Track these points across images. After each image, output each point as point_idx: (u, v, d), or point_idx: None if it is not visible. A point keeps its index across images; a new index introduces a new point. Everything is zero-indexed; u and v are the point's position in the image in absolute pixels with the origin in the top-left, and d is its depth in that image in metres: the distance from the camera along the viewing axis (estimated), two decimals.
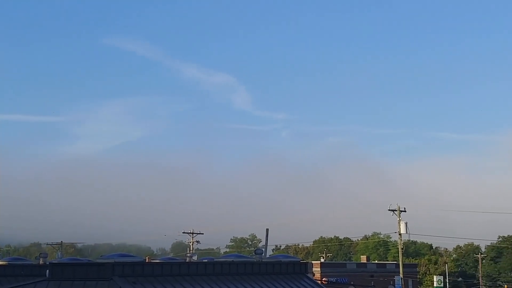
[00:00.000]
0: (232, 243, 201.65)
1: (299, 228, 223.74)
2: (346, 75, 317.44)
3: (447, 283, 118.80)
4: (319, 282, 76.75)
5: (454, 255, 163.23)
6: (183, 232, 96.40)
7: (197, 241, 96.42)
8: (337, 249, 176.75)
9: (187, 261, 42.75)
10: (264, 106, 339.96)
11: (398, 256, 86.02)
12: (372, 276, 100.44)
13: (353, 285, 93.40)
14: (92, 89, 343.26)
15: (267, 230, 77.51)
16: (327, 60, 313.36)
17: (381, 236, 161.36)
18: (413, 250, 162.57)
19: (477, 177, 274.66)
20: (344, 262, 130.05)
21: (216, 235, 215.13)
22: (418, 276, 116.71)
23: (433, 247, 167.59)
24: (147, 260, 46.32)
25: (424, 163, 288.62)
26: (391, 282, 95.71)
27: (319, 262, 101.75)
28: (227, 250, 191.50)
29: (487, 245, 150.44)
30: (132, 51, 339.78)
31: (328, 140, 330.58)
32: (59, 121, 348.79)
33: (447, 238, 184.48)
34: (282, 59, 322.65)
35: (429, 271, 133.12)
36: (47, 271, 31.84)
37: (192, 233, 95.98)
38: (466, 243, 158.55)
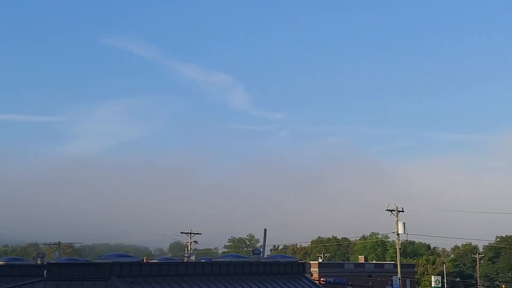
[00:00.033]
0: (230, 243, 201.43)
1: (297, 228, 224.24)
2: (346, 75, 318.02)
3: (445, 283, 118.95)
4: (317, 282, 76.59)
5: (452, 255, 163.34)
6: (181, 232, 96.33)
7: (195, 241, 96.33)
8: (335, 249, 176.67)
9: (185, 261, 42.75)
10: (263, 106, 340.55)
11: (396, 256, 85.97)
12: (370, 276, 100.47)
13: (351, 285, 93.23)
14: (91, 89, 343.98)
15: (265, 230, 77.32)
16: (327, 60, 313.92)
17: (379, 236, 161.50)
18: (411, 250, 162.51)
19: (476, 177, 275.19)
20: (342, 262, 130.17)
21: (214, 235, 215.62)
22: (416, 276, 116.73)
23: (431, 247, 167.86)
24: (145, 260, 46.30)
25: (423, 163, 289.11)
26: (389, 282, 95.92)
27: (317, 262, 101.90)
28: (225, 250, 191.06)
29: (485, 245, 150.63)
30: (131, 51, 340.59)
31: (327, 140, 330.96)
32: (59, 121, 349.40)
33: (445, 238, 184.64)
34: (281, 59, 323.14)
35: (427, 271, 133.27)
36: (45, 271, 31.80)
37: (190, 233, 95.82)
38: (464, 243, 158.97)
